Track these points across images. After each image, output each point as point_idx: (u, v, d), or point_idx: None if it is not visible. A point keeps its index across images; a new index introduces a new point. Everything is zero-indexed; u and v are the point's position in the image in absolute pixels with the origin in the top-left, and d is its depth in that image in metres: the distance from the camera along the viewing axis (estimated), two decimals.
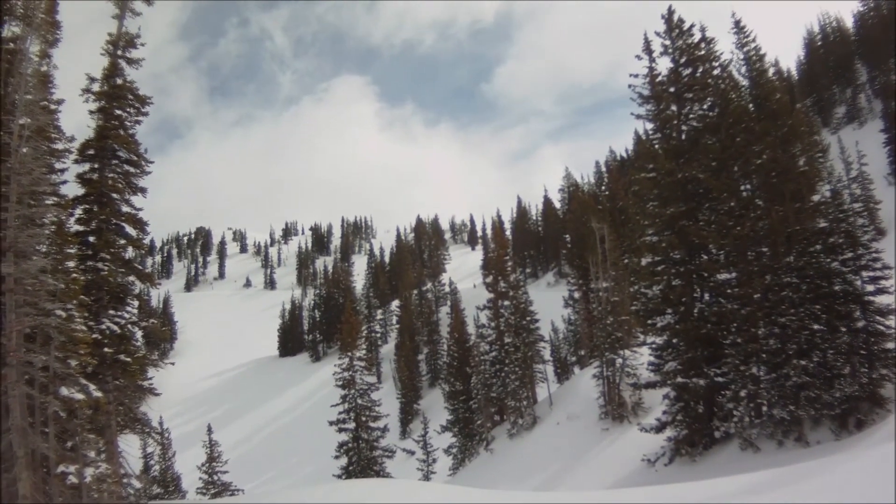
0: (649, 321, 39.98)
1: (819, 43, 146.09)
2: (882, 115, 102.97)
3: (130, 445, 31.72)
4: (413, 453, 64.85)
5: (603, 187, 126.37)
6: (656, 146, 41.68)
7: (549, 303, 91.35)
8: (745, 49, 38.09)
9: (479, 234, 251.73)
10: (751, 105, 37.67)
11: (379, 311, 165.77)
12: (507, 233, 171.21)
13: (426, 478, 61.09)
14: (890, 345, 30.57)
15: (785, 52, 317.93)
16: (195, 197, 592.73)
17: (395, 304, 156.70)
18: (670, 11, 39.65)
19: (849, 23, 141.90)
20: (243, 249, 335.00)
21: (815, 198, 36.04)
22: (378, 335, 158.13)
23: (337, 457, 55.42)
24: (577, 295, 78.46)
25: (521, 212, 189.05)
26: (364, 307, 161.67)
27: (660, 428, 37.27)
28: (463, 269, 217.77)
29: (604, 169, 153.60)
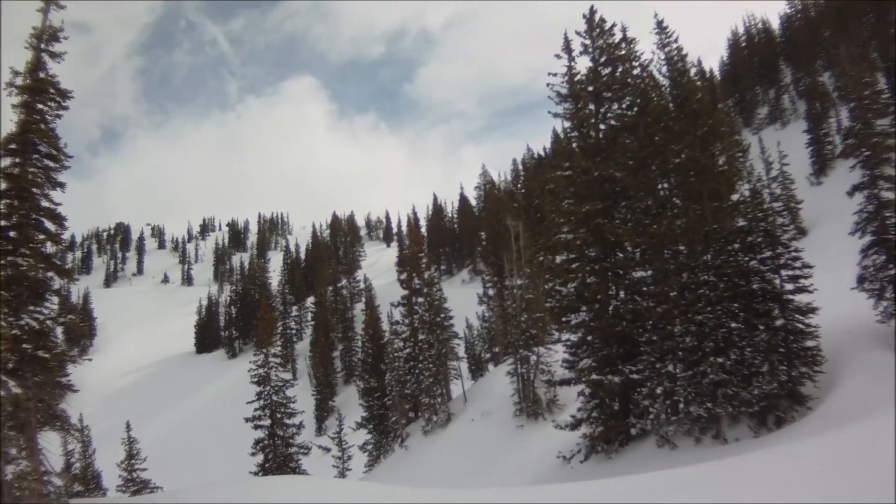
0: (564, 318, 39.16)
1: (744, 44, 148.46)
2: (805, 115, 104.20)
3: (51, 443, 29.94)
4: (329, 450, 63.40)
5: (519, 185, 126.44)
6: (573, 145, 40.93)
7: (464, 300, 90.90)
8: (666, 49, 37.34)
9: (395, 231, 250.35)
10: (671, 104, 37.03)
11: (294, 308, 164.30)
12: (423, 230, 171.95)
13: (342, 475, 59.79)
14: (810, 343, 30.18)
15: (709, 52, 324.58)
16: (143, 195, 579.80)
17: (311, 300, 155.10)
18: (592, 11, 38.80)
19: (775, 24, 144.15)
20: (161, 245, 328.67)
21: (734, 197, 35.53)
22: (293, 332, 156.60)
23: (253, 454, 53.69)
24: (491, 292, 77.77)
25: (437, 209, 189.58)
26: (280, 303, 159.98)
27: (575, 425, 36.33)
28: (378, 265, 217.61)
29: (521, 167, 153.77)
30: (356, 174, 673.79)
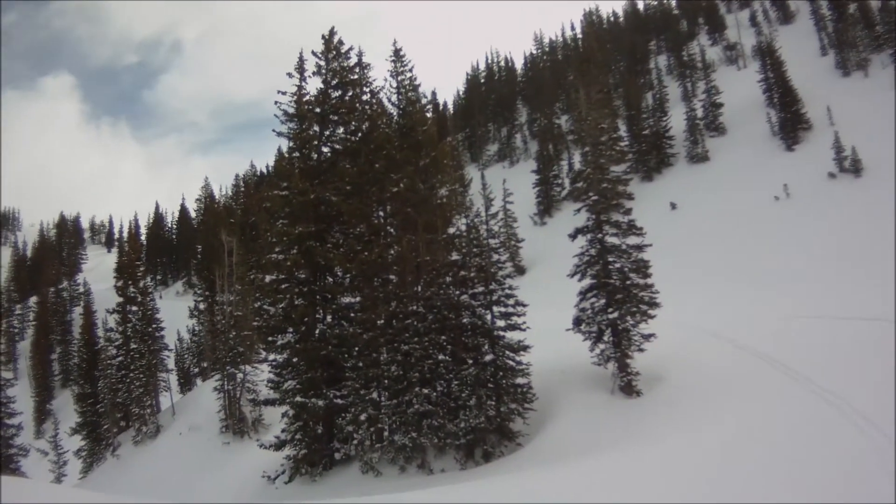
0: (270, 338, 37.73)
1: (483, 80, 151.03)
2: (536, 156, 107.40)
3: None
4: (47, 454, 59.50)
5: (240, 201, 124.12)
6: (295, 165, 39.97)
7: (177, 312, 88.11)
8: (399, 77, 37.54)
9: (117, 236, 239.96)
10: (396, 133, 36.97)
11: (18, 307, 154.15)
12: (143, 238, 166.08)
13: (58, 480, 55.95)
14: (521, 380, 30.52)
15: (449, 86, 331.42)
16: None
17: (34, 300, 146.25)
18: (332, 32, 38.21)
19: (519, 64, 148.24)
20: None
21: (451, 230, 35.84)
22: (16, 331, 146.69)
23: None
24: (202, 306, 75.85)
25: (158, 218, 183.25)
26: (4, 301, 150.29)
27: (279, 445, 35.14)
28: (98, 270, 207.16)
29: (241, 183, 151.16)
30: (94, 175, 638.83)
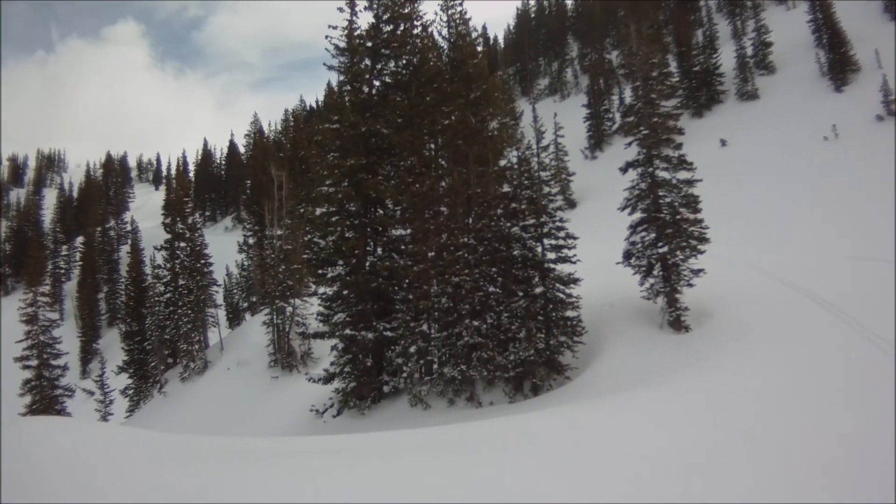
0: (320, 271, 37.94)
1: (533, 14, 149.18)
2: (587, 90, 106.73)
3: None
4: (93, 394, 60.36)
5: (289, 136, 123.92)
6: (346, 99, 39.62)
7: (226, 247, 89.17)
8: (450, 11, 36.96)
9: (165, 174, 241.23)
10: (447, 67, 36.49)
11: (64, 248, 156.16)
12: (192, 175, 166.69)
13: (104, 419, 56.78)
14: (571, 313, 30.30)
15: (498, 22, 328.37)
16: None
17: (80, 240, 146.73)
18: None
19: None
20: None
21: (502, 163, 35.40)
22: (63, 271, 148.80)
23: (22, 394, 51.60)
24: (252, 241, 76.12)
25: (206, 154, 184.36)
26: (51, 242, 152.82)
27: (328, 379, 35.17)
28: (146, 208, 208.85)
29: (291, 118, 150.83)
30: (148, 115, 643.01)
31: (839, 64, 78.09)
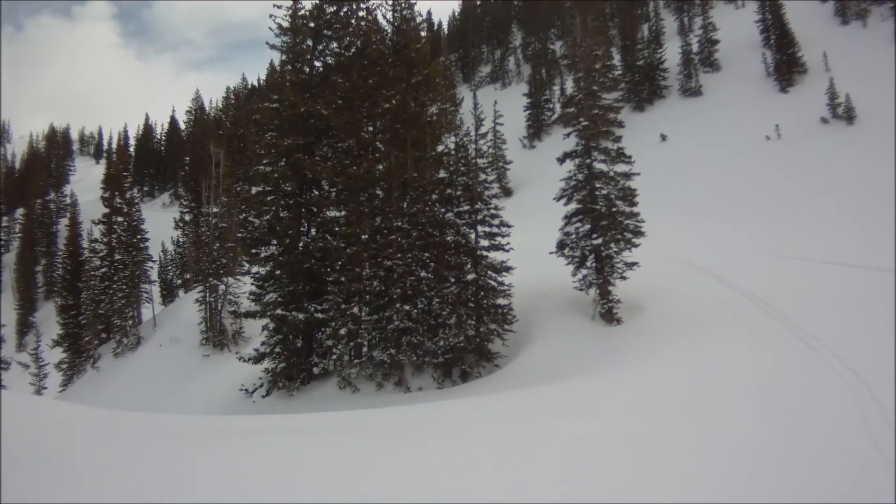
0: (254, 250, 37.58)
1: (478, 1, 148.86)
2: (529, 79, 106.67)
3: None
4: (28, 367, 59.36)
5: (230, 114, 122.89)
6: (287, 78, 39.33)
7: (163, 223, 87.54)
8: None
9: (105, 148, 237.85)
10: (390, 50, 36.25)
11: (5, 219, 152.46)
12: (132, 149, 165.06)
13: (38, 393, 55.85)
14: (502, 301, 30.37)
15: (444, 8, 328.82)
16: None
17: (21, 212, 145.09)
18: None
19: None
20: None
21: (439, 148, 35.32)
22: (3, 243, 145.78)
23: None
24: (188, 217, 74.96)
25: (147, 129, 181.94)
26: None
27: (258, 359, 34.89)
28: (87, 181, 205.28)
29: (232, 96, 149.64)
30: (86, 86, 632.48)
31: (786, 64, 78.45)
